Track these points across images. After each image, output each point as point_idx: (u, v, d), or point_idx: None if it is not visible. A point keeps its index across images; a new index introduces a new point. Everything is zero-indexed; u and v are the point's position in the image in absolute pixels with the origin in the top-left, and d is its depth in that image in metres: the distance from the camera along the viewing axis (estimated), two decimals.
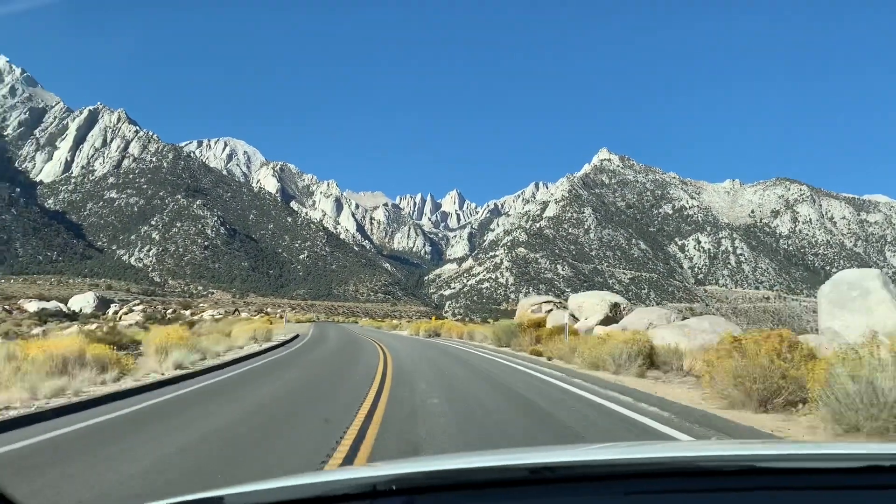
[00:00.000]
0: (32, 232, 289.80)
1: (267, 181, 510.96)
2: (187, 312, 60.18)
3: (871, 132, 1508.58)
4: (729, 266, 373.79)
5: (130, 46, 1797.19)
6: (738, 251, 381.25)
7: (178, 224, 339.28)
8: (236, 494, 1.50)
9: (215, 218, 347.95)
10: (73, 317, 45.90)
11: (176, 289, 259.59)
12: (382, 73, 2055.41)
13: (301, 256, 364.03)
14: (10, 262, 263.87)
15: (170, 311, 63.49)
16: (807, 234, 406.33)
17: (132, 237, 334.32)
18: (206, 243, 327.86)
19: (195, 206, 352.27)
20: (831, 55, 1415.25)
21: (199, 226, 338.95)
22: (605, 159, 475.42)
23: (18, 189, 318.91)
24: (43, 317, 39.48)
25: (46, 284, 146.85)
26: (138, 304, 66.61)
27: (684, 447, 2.73)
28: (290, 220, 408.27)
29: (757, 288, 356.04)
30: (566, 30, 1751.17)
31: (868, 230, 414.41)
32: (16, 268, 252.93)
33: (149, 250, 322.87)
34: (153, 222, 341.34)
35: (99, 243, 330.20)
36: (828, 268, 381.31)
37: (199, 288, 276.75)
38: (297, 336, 42.31)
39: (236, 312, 79.15)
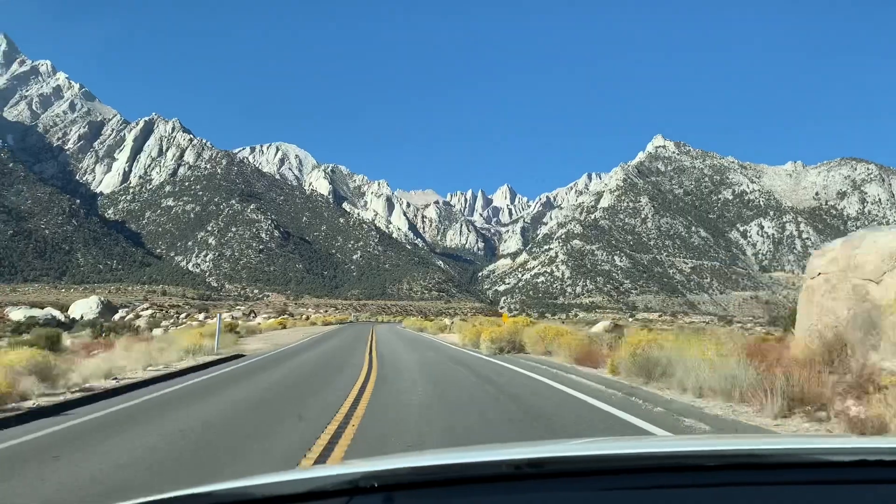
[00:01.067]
0: (93, 242, 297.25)
1: (318, 183, 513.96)
2: (201, 317, 57.12)
3: None
4: (795, 251, 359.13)
5: (184, 57, 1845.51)
6: (804, 235, 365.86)
7: (234, 229, 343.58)
8: (216, 492, 1.47)
9: (269, 221, 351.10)
10: (68, 325, 42.94)
11: (232, 292, 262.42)
12: (427, 71, 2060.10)
13: (354, 257, 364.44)
14: (73, 272, 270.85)
15: (183, 315, 60.36)
16: (877, 215, 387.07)
17: (189, 243, 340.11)
18: (260, 247, 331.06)
19: (249, 210, 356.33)
20: (888, 26, 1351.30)
21: (254, 230, 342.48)
22: (659, 146, 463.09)
23: (79, 201, 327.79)
24: (22, 327, 36.26)
25: (104, 293, 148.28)
26: (146, 310, 63.52)
27: (671, 443, 2.63)
28: (342, 221, 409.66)
29: None
30: (613, 17, 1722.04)
31: None
32: (77, 277, 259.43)
33: (205, 255, 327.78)
34: (209, 228, 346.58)
35: (157, 251, 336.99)
36: None
37: (255, 291, 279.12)
38: (255, 354, 25.99)
39: (252, 314, 75.20)
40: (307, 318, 79.28)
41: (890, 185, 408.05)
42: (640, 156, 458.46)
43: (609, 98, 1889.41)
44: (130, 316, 56.84)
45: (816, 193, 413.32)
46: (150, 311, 61.50)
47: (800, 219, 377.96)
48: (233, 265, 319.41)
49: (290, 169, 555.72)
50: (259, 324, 53.30)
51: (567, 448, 1.81)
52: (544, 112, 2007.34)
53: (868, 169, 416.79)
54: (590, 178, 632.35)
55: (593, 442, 2.12)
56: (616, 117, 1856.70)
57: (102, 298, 61.66)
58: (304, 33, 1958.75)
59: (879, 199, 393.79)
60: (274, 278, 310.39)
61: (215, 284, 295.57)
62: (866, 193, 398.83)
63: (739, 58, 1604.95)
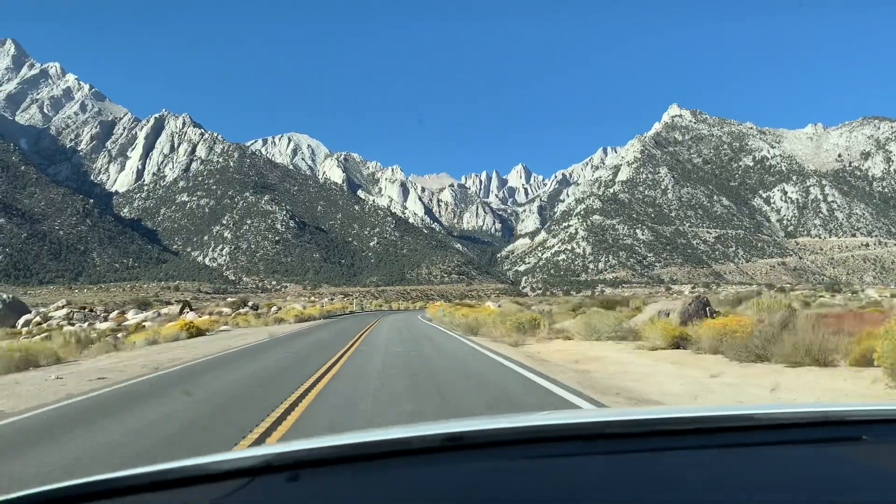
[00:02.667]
0: (108, 241, 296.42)
1: (332, 172, 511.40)
2: (138, 317, 49.15)
3: None
4: (821, 215, 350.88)
5: (193, 53, 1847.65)
6: (829, 198, 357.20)
7: (249, 221, 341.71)
8: (132, 476, 1.42)
9: (284, 212, 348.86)
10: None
11: (249, 285, 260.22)
12: (435, 53, 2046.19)
13: (371, 243, 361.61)
14: (89, 272, 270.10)
15: (113, 314, 53.79)
16: None
17: (205, 238, 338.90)
18: (276, 238, 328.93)
19: (263, 201, 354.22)
20: None
21: (269, 221, 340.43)
22: (675, 115, 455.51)
23: (92, 200, 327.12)
24: None
25: (119, 291, 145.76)
26: (60, 309, 56.23)
27: (596, 414, 2.67)
28: (357, 208, 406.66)
29: (853, 235, 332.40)
30: None
31: None
32: (94, 277, 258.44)
33: (222, 249, 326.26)
34: (224, 221, 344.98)
35: (174, 247, 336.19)
36: None
37: (273, 283, 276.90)
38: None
39: (243, 306, 65.41)
40: (277, 312, 57.29)
41: None
42: (657, 126, 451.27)
43: (621, 70, 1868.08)
44: (37, 319, 49.28)
45: (839, 155, 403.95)
46: (64, 311, 54.46)
47: (824, 182, 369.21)
48: (249, 258, 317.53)
49: (302, 159, 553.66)
50: (158, 330, 29.72)
51: (494, 422, 1.76)
52: (555, 89, 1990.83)
53: (892, 127, 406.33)
54: (605, 152, 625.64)
55: (515, 416, 2.03)
56: (629, 89, 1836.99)
57: (7, 296, 53.43)
58: (313, 25, 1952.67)
59: None
60: (291, 269, 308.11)
61: (233, 278, 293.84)
62: (891, 152, 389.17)
63: (751, 22, 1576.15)
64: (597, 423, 1.77)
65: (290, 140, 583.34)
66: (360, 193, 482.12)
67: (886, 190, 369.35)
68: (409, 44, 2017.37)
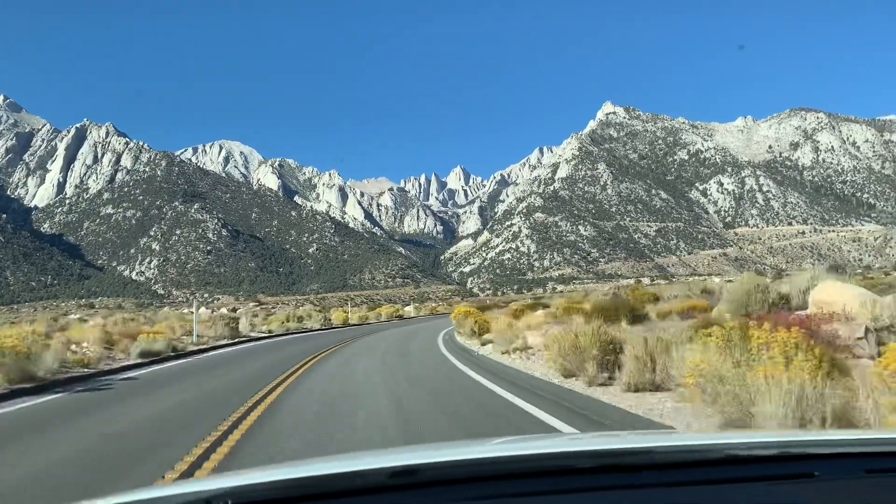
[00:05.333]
0: (23, 258, 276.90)
1: (267, 179, 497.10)
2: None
3: (882, 50, 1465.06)
4: (757, 205, 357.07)
5: (114, 59, 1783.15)
6: (765, 188, 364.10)
7: (178, 231, 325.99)
8: None
9: (216, 221, 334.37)
10: None
11: (178, 298, 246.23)
12: (366, 58, 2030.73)
13: (310, 250, 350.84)
14: (1, 291, 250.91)
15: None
16: (831, 163, 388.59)
17: (132, 251, 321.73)
18: (208, 248, 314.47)
19: (193, 210, 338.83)
20: None
21: (200, 230, 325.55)
22: (609, 113, 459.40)
23: (5, 216, 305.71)
24: None
25: (30, 311, 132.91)
26: None
27: (562, 442, 2.39)
28: (294, 214, 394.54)
29: (790, 224, 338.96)
30: None
31: (895, 150, 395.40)
32: (6, 298, 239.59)
33: (150, 262, 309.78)
34: (152, 233, 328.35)
35: (99, 262, 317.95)
36: (859, 194, 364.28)
37: (206, 295, 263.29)
38: None
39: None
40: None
41: (840, 131, 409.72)
42: (592, 124, 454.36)
43: (554, 70, 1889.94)
44: None
45: (770, 146, 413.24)
46: None
47: (758, 172, 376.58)
48: (180, 270, 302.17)
49: (235, 167, 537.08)
50: None
51: (444, 452, 1.67)
52: (490, 90, 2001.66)
53: (818, 118, 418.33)
54: (542, 151, 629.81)
55: (473, 444, 2.00)
56: (563, 88, 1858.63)
57: None
58: (241, 29, 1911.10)
59: (832, 147, 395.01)
60: (225, 280, 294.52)
61: (162, 292, 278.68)
62: (819, 142, 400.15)
63: (680, 18, 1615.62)
64: (560, 454, 1.68)
65: (221, 147, 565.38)
66: (297, 199, 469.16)
67: (816, 179, 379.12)
68: (341, 46, 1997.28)
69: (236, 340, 32.00)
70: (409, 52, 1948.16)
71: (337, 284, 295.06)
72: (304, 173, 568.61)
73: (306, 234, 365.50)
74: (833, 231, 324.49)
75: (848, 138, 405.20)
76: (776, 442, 1.72)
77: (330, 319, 59.17)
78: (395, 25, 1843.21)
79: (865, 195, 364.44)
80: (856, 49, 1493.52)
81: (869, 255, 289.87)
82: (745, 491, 1.49)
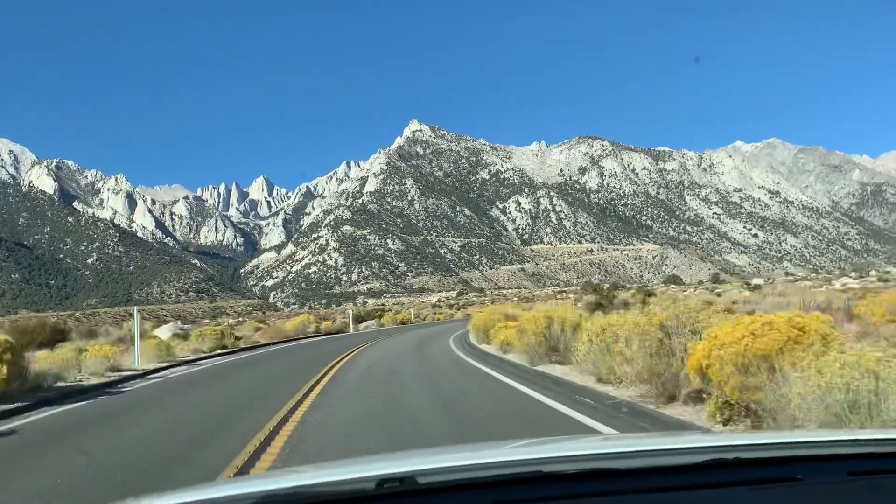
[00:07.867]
0: None
1: (41, 181, 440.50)
2: None
3: (660, 83, 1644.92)
4: (551, 224, 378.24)
5: None
6: (558, 208, 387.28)
7: None
8: None
9: None
10: None
11: None
12: (165, 58, 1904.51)
13: (89, 260, 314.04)
14: None
15: None
16: (614, 187, 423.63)
17: None
18: None
19: None
20: (604, 22, 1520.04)
21: None
22: (416, 130, 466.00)
23: None
24: None
25: None
26: None
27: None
28: (71, 220, 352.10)
29: (580, 242, 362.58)
30: (360, 14, 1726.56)
31: (667, 178, 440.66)
32: None
33: None
34: None
35: None
36: (638, 216, 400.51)
37: None
38: None
39: None
40: None
41: (622, 159, 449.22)
42: (399, 140, 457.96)
43: (362, 86, 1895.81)
44: None
45: (561, 170, 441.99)
46: None
47: (552, 193, 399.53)
48: None
49: (3, 167, 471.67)
50: None
51: (444, 458, 1.64)
52: (297, 102, 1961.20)
53: (603, 146, 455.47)
54: (349, 166, 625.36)
55: (469, 450, 1.94)
56: (370, 105, 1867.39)
57: None
58: (14, 19, 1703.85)
59: (615, 173, 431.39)
60: None
61: None
62: (604, 168, 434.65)
63: (481, 45, 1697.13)
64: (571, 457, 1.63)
65: None
66: (77, 205, 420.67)
67: (602, 201, 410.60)
68: (134, 43, 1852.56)
69: None
70: (207, 53, 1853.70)
71: (120, 298, 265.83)
72: (87, 176, 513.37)
73: (85, 243, 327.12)
74: (617, 250, 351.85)
75: (629, 165, 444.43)
76: (762, 444, 1.69)
77: None
78: (195, 26, 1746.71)
79: (644, 217, 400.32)
80: (636, 80, 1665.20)
81: (648, 272, 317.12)
82: (729, 497, 1.46)
